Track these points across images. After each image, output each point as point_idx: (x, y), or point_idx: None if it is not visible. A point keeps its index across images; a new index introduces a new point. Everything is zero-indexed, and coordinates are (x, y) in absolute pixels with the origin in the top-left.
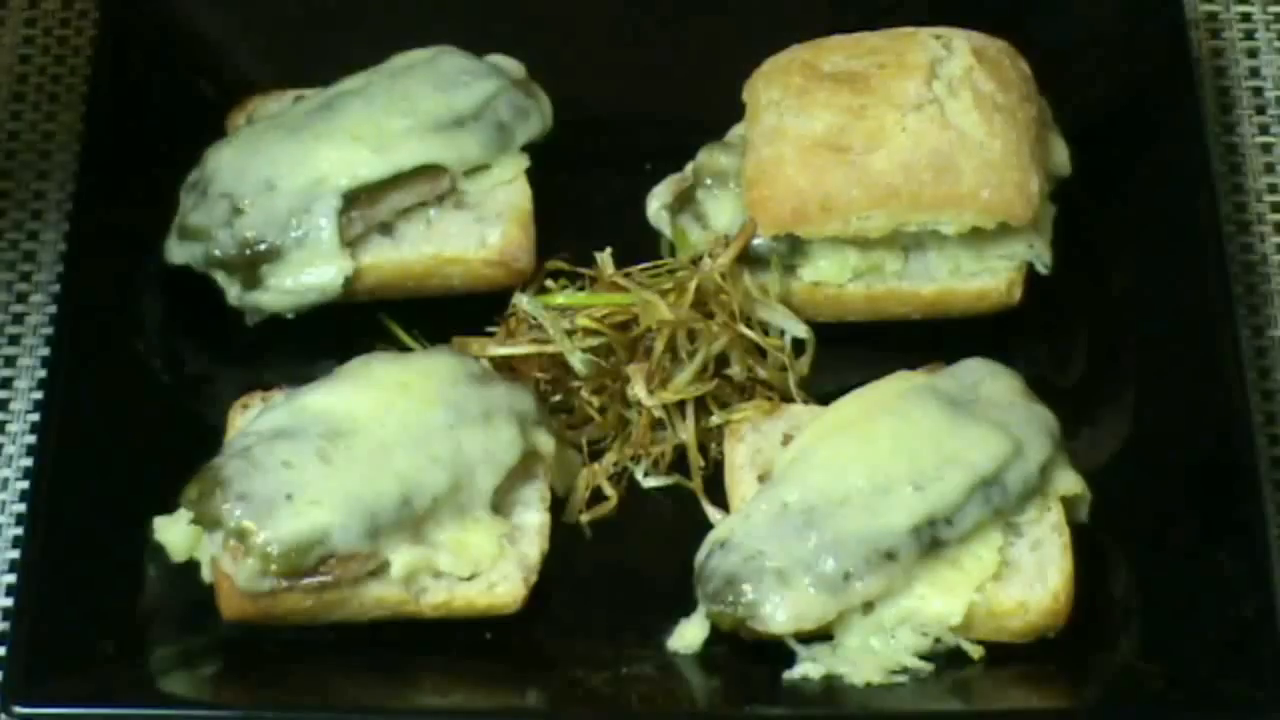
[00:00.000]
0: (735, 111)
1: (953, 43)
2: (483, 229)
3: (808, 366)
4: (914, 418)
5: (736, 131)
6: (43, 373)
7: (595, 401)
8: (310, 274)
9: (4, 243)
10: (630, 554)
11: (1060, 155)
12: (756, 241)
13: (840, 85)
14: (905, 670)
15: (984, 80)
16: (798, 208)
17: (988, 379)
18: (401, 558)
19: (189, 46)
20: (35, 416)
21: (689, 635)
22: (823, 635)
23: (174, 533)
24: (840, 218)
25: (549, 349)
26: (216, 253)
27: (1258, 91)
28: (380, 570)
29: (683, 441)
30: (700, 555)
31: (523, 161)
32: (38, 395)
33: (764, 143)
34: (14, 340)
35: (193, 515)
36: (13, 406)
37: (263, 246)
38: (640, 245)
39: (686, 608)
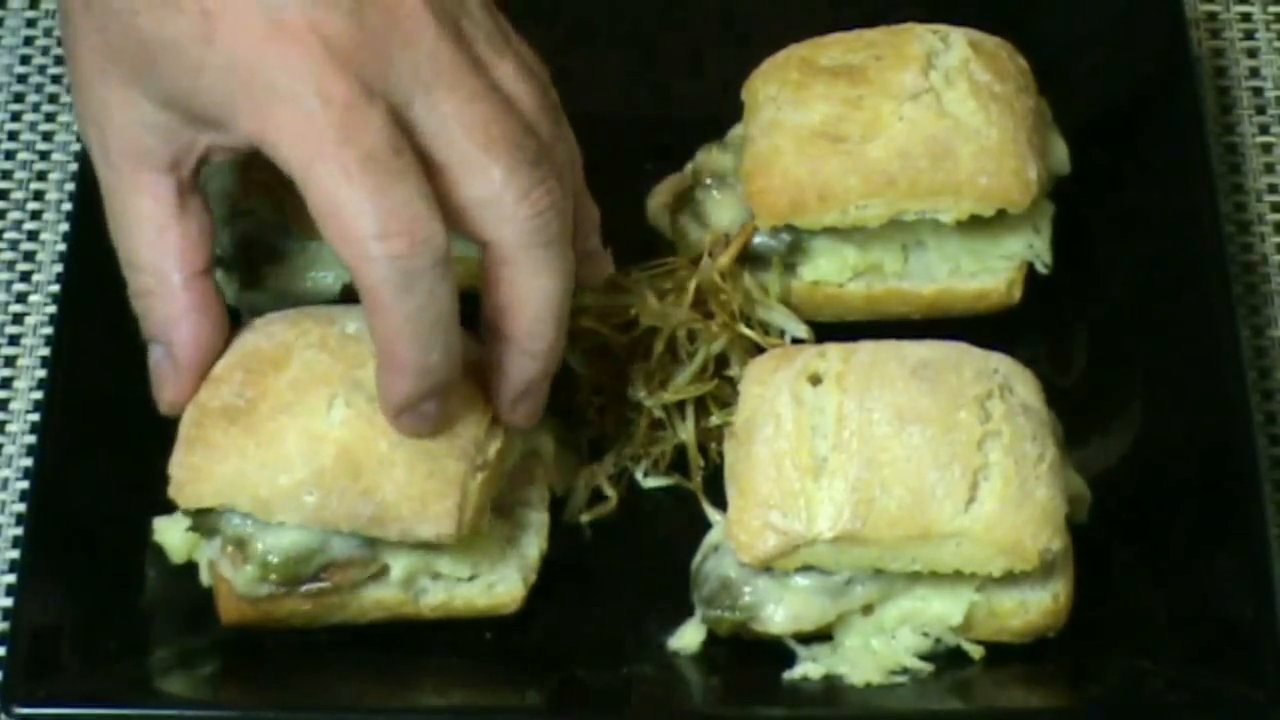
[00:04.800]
0: (735, 111)
1: (949, 36)
2: None
3: None
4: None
5: (736, 131)
6: (43, 373)
7: (595, 401)
8: (310, 277)
9: (4, 243)
10: (630, 554)
11: (1060, 154)
12: (756, 241)
13: (837, 77)
14: (905, 670)
15: (980, 71)
16: (796, 197)
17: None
18: (401, 561)
19: None
20: (35, 416)
21: (688, 636)
22: (823, 635)
23: (174, 534)
24: (838, 206)
25: None
26: (216, 250)
27: (1258, 91)
28: (380, 573)
29: (683, 441)
30: (695, 560)
31: None
32: (38, 395)
33: (762, 136)
34: (14, 340)
35: (191, 522)
36: (13, 406)
37: (263, 246)
38: (640, 245)
39: (686, 608)
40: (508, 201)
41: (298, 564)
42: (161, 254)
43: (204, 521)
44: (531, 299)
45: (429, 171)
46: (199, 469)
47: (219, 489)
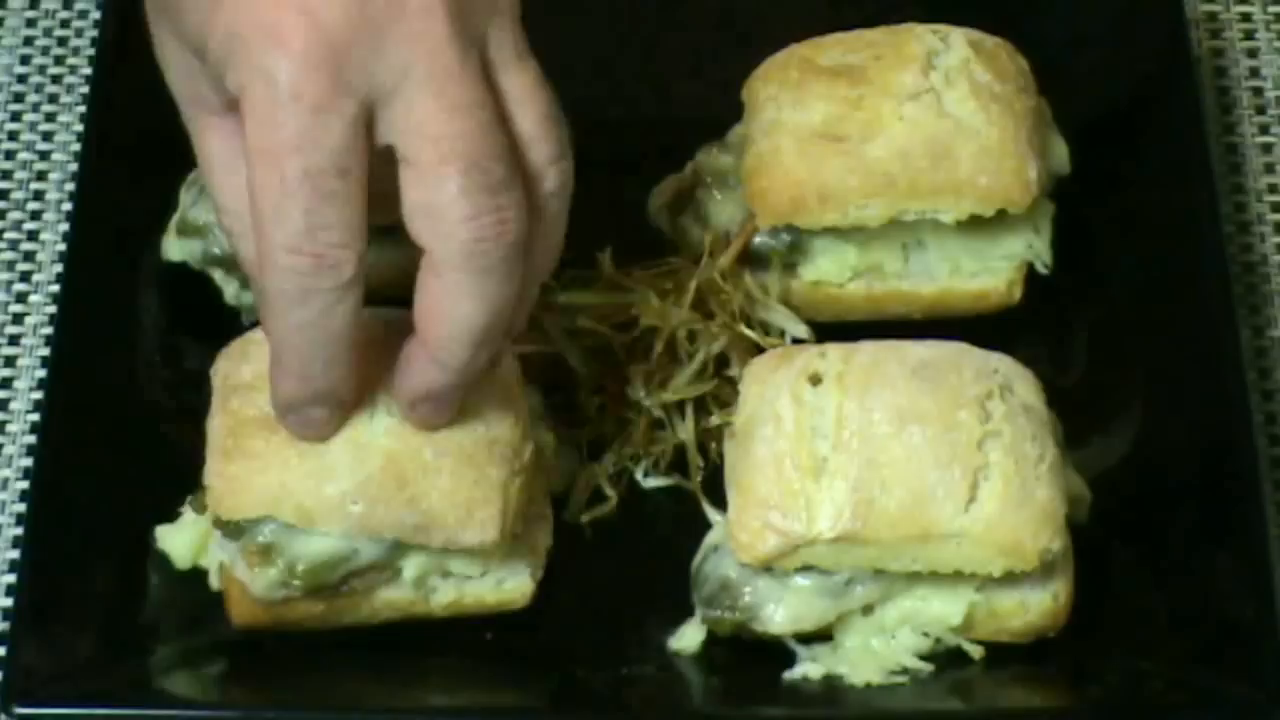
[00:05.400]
0: (735, 112)
1: (949, 36)
2: None
3: None
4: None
5: (736, 131)
6: (43, 373)
7: (595, 401)
8: None
9: (4, 243)
10: (630, 554)
11: (1060, 154)
12: (757, 241)
13: (837, 77)
14: (905, 670)
15: (981, 71)
16: (796, 198)
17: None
18: (413, 561)
19: None
20: (35, 416)
21: (689, 636)
22: (823, 635)
23: (177, 541)
24: (838, 207)
25: (549, 349)
26: (215, 250)
27: (1258, 91)
28: (392, 574)
29: (683, 441)
30: (695, 560)
31: None
32: (38, 395)
33: (762, 136)
34: (14, 340)
35: (214, 523)
36: (13, 406)
37: None
38: (640, 245)
39: (686, 608)
40: (451, 218)
41: (325, 570)
42: (238, 195)
43: (233, 527)
44: (452, 318)
45: (395, 160)
46: (239, 480)
47: (261, 500)
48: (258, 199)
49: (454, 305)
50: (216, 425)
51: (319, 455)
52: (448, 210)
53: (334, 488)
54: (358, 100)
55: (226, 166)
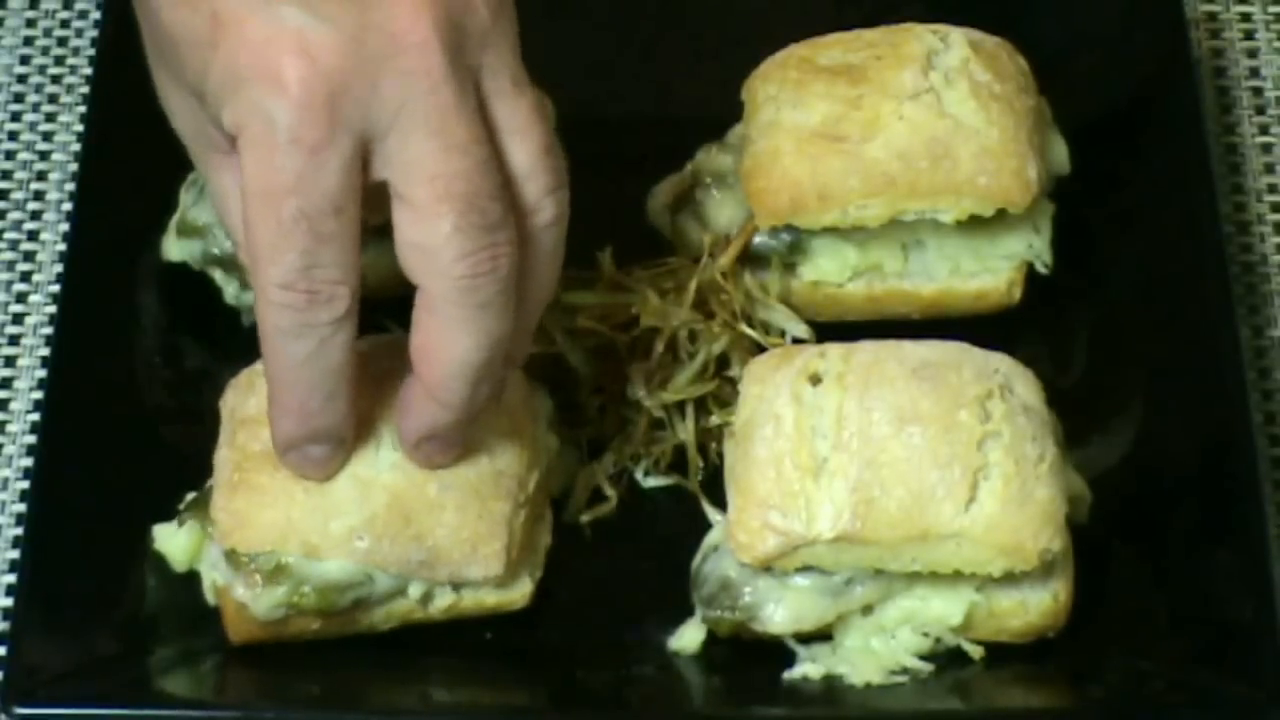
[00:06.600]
0: (735, 111)
1: (949, 36)
2: None
3: None
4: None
5: (736, 131)
6: (43, 373)
7: (595, 401)
8: None
9: (4, 243)
10: (630, 554)
11: (1060, 154)
12: (757, 240)
13: (837, 77)
14: (905, 670)
15: (980, 71)
16: (796, 197)
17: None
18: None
19: None
20: (35, 416)
21: (689, 636)
22: (823, 635)
23: (174, 543)
24: (838, 206)
25: (549, 349)
26: (215, 250)
27: (1258, 91)
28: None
29: (683, 441)
30: (695, 560)
31: None
32: (38, 395)
33: (761, 136)
34: (14, 340)
35: (225, 552)
36: (13, 406)
37: None
38: (640, 245)
39: (687, 608)
40: (446, 256)
41: (335, 593)
42: None
43: (240, 558)
44: (448, 354)
45: (390, 195)
46: (246, 515)
47: (267, 536)
48: (254, 237)
49: (451, 342)
50: (223, 459)
51: (324, 491)
52: (442, 249)
53: (339, 524)
54: (354, 138)
55: (238, 200)
